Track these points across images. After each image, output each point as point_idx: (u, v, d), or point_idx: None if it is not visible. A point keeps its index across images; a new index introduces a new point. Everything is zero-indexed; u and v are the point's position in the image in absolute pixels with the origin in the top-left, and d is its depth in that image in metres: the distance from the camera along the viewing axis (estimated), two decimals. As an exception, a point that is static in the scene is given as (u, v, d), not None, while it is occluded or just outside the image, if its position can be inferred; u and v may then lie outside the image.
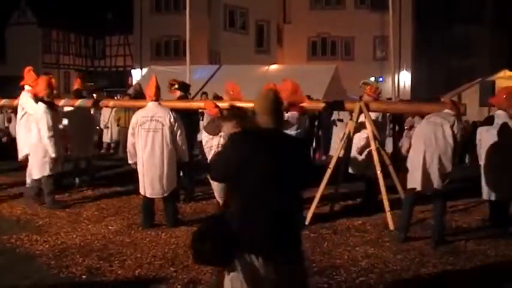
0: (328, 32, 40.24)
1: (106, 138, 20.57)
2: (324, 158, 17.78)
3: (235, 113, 8.05)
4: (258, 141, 4.15)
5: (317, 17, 39.47)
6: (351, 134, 9.79)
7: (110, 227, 9.16)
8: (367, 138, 9.71)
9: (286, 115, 9.43)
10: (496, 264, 7.44)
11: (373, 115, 10.17)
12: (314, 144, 18.07)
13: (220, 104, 9.53)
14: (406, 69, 39.03)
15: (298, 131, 9.52)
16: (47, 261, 7.37)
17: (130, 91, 19.15)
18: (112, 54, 53.38)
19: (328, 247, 8.10)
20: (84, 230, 8.96)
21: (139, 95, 15.04)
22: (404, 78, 38.92)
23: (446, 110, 8.42)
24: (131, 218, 9.73)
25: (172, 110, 9.36)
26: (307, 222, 9.25)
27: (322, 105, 10.30)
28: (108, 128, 20.15)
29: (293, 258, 4.13)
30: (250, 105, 9.51)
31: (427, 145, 8.18)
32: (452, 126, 8.10)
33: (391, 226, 9.07)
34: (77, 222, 9.46)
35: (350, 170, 10.73)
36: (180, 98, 11.16)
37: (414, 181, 8.32)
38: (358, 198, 11.11)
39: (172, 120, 8.96)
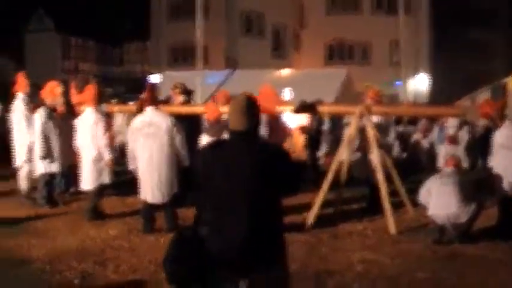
0: (344, 37, 40.10)
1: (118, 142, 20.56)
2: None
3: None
4: (221, 150, 4.04)
5: (334, 21, 39.35)
6: (352, 138, 9.72)
7: (110, 232, 9.14)
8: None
9: None
10: (496, 270, 7.31)
11: (375, 118, 10.14)
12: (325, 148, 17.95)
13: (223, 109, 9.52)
14: (423, 73, 38.77)
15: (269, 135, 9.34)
16: (41, 265, 7.36)
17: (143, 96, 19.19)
18: (130, 61, 53.76)
19: (326, 252, 8.02)
20: (84, 235, 8.95)
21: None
22: (422, 82, 38.64)
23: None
24: (132, 223, 9.68)
25: (173, 114, 9.37)
26: (308, 227, 9.21)
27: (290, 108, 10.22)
28: (120, 133, 20.15)
29: (269, 270, 3.91)
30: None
31: None
32: None
33: (392, 230, 8.98)
34: (78, 227, 9.45)
35: (354, 174, 10.68)
36: (183, 103, 11.17)
37: None
38: (362, 202, 11.00)
39: (170, 124, 8.93)
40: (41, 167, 10.80)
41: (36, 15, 48.13)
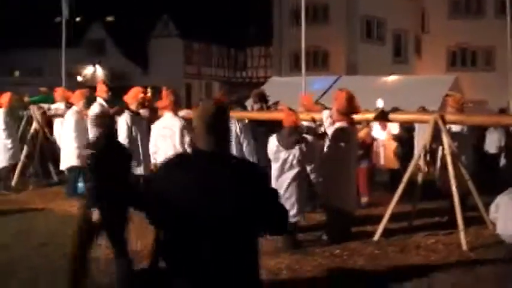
0: (467, 42, 38.79)
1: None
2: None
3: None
4: (187, 171, 3.34)
5: (456, 26, 38.15)
6: (427, 147, 9.32)
7: (177, 236, 9.20)
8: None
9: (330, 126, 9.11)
10: None
11: (457, 127, 9.73)
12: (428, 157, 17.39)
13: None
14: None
15: (342, 145, 8.93)
16: (98, 266, 7.54)
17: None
18: (253, 66, 54.40)
19: (385, 265, 7.72)
20: (150, 239, 9.03)
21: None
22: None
23: None
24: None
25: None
26: (376, 238, 8.92)
27: (372, 116, 9.89)
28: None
29: None
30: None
31: None
32: None
33: (464, 246, 8.53)
34: (149, 230, 9.53)
35: (437, 185, 10.33)
36: (258, 110, 11.19)
37: None
38: (441, 214, 10.50)
39: (237, 130, 8.96)
40: None
41: (161, 21, 49.84)
